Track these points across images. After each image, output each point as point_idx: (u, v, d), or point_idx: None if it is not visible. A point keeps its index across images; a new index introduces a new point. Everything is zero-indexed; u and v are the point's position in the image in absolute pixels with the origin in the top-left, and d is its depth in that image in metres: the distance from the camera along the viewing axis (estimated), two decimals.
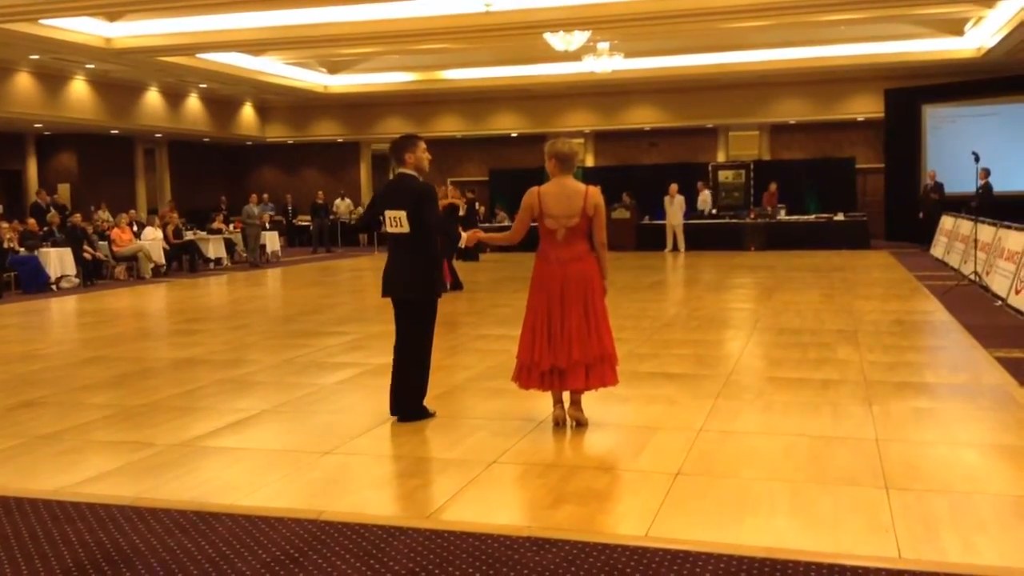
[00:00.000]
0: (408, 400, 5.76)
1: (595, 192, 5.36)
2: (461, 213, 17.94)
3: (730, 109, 23.90)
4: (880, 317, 9.83)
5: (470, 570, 3.47)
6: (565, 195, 5.32)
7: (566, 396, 5.61)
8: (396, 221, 5.58)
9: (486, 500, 4.34)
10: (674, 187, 20.45)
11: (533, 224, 5.48)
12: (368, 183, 28.31)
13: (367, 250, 24.36)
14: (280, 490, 4.53)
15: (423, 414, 5.81)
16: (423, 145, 5.75)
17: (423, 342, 5.74)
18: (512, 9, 15.47)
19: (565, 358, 5.29)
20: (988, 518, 3.91)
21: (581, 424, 5.55)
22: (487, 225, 21.00)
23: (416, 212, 5.53)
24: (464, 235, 5.83)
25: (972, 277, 12.30)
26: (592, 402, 6.05)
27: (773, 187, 21.67)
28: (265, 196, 24.98)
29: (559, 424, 5.53)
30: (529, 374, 5.46)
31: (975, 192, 14.50)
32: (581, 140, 26.40)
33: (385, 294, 5.70)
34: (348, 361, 8.01)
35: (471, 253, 17.77)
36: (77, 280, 16.16)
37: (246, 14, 16.20)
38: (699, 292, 12.98)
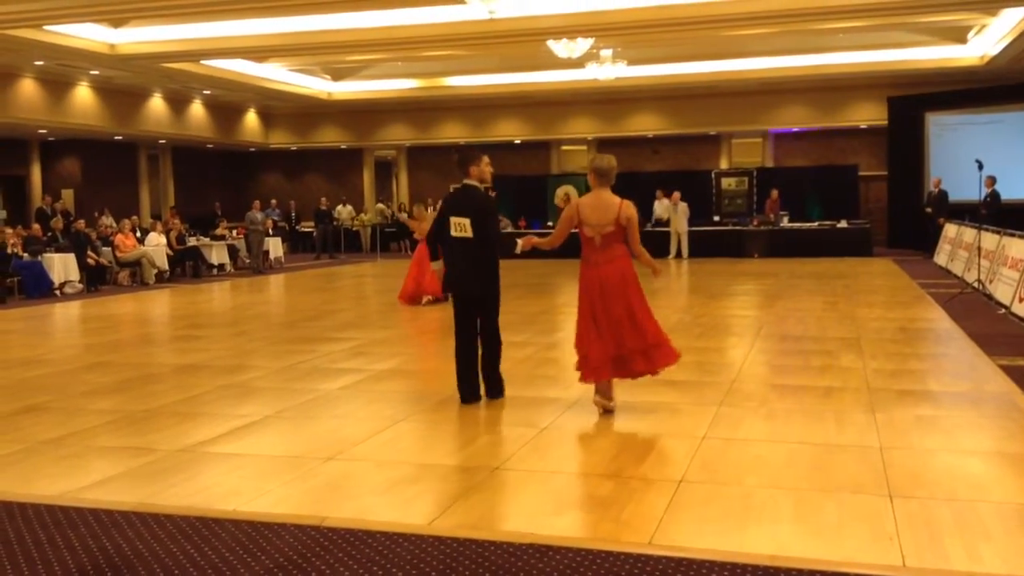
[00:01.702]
0: (492, 376, 6.38)
1: (628, 205, 5.86)
2: None
3: (733, 116, 23.91)
4: (883, 325, 9.82)
5: None
6: (601, 206, 5.83)
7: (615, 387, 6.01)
8: (461, 227, 6.19)
9: (489, 507, 4.33)
10: (676, 195, 20.47)
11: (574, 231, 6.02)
12: (371, 189, 28.35)
13: (370, 256, 24.37)
14: (282, 496, 4.52)
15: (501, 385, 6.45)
16: (487, 159, 6.36)
17: (497, 328, 6.35)
18: (515, 16, 15.47)
19: (615, 347, 5.76)
20: (992, 526, 3.90)
21: (609, 410, 6.00)
22: None
23: (479, 221, 6.15)
24: (520, 241, 6.28)
25: (976, 285, 12.28)
26: (595, 409, 6.05)
27: (775, 194, 21.66)
28: (273, 202, 25.06)
29: (608, 412, 5.90)
30: (587, 366, 5.88)
31: (982, 200, 14.46)
32: (584, 148, 26.44)
33: (450, 291, 6.41)
34: (350, 367, 8.00)
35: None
36: (81, 286, 16.18)
37: (250, 21, 16.23)
38: (702, 299, 12.96)
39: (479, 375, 6.39)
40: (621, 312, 5.78)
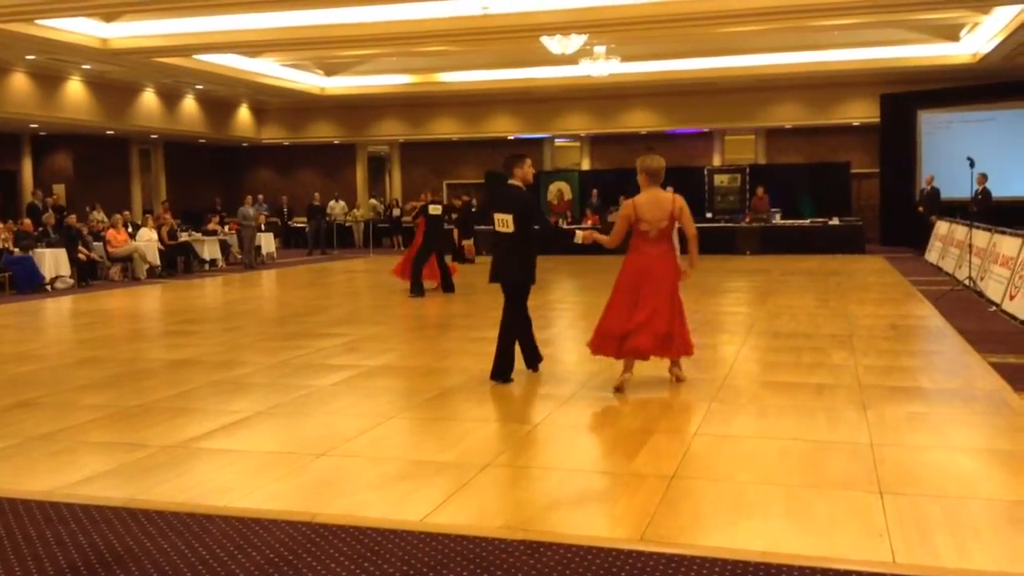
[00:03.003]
0: (527, 345, 7.08)
1: (680, 199, 6.59)
2: (454, 215, 17.97)
3: (726, 113, 23.92)
4: (875, 322, 9.84)
5: (464, 573, 3.46)
6: (657, 203, 6.48)
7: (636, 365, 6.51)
8: (503, 222, 6.80)
9: (480, 503, 4.33)
10: (669, 190, 20.44)
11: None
12: (364, 185, 28.29)
13: (362, 252, 24.34)
14: (274, 492, 4.52)
15: (509, 378, 6.87)
16: (529, 162, 7.03)
17: (516, 316, 6.93)
18: (509, 12, 15.47)
19: (649, 329, 6.26)
20: (982, 523, 3.91)
21: (681, 380, 6.63)
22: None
23: (522, 216, 6.75)
24: (580, 234, 6.95)
25: (966, 282, 12.32)
26: (588, 405, 6.08)
27: (760, 191, 21.68)
28: (260, 197, 24.95)
29: (620, 390, 6.35)
30: (605, 341, 6.43)
31: (974, 197, 14.51)
32: (578, 144, 26.43)
33: (493, 280, 6.97)
34: (343, 363, 7.99)
35: (465, 256, 17.80)
36: (72, 281, 16.12)
37: (243, 16, 16.18)
38: (694, 296, 12.93)
39: (527, 349, 7.09)
40: (663, 299, 6.35)
